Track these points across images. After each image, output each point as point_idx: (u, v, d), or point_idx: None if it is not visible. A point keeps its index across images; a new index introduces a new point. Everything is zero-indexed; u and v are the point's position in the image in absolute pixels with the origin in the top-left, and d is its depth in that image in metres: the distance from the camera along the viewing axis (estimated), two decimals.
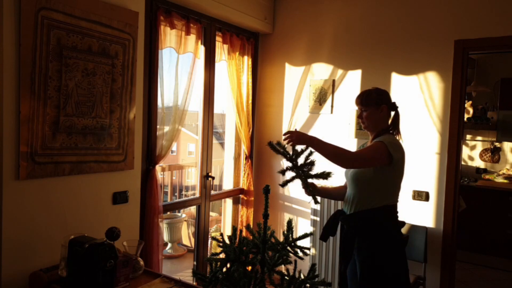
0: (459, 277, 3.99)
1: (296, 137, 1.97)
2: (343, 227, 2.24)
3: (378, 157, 2.00)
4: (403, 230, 2.21)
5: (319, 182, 2.09)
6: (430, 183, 3.11)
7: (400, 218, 2.91)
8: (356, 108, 2.22)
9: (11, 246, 1.91)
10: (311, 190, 2.11)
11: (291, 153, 1.93)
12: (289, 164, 1.95)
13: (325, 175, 1.88)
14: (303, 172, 1.93)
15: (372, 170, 2.04)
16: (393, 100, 2.20)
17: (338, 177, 2.27)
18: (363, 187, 2.08)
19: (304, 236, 2.21)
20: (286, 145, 1.94)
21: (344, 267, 2.22)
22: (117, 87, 2.33)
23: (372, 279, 2.04)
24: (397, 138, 2.17)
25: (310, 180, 2.02)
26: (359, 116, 2.21)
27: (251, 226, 3.18)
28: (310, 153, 1.94)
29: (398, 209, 2.17)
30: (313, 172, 1.94)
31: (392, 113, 2.20)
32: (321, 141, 1.98)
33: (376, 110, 2.13)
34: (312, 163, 1.94)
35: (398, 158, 2.04)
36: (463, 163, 5.13)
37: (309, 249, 2.23)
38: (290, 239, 1.96)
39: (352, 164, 2.04)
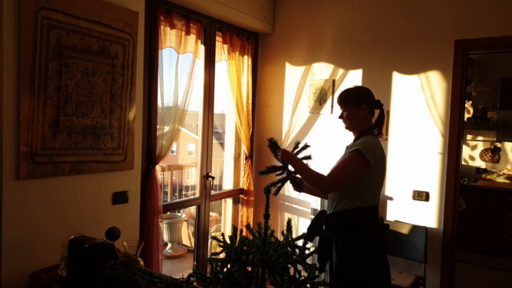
0: (459, 277, 3.99)
1: (283, 153, 2.09)
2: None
3: (355, 170, 1.94)
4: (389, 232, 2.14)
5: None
6: (430, 183, 3.10)
7: (400, 218, 2.88)
8: None
9: (11, 246, 1.91)
10: (299, 186, 2.22)
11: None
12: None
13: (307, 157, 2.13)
14: (291, 172, 2.14)
15: None
16: (377, 98, 2.11)
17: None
18: (341, 188, 2.01)
19: (303, 236, 2.21)
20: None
21: (321, 267, 2.17)
22: (117, 87, 2.33)
23: (344, 281, 1.98)
24: (380, 138, 2.10)
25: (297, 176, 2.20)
26: (340, 116, 2.15)
27: (251, 226, 3.18)
28: (301, 150, 2.15)
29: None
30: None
31: (377, 111, 2.11)
32: (302, 164, 2.05)
33: (356, 110, 2.06)
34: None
35: (376, 161, 1.96)
36: (463, 163, 5.13)
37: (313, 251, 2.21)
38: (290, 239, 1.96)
39: (331, 188, 2.00)
